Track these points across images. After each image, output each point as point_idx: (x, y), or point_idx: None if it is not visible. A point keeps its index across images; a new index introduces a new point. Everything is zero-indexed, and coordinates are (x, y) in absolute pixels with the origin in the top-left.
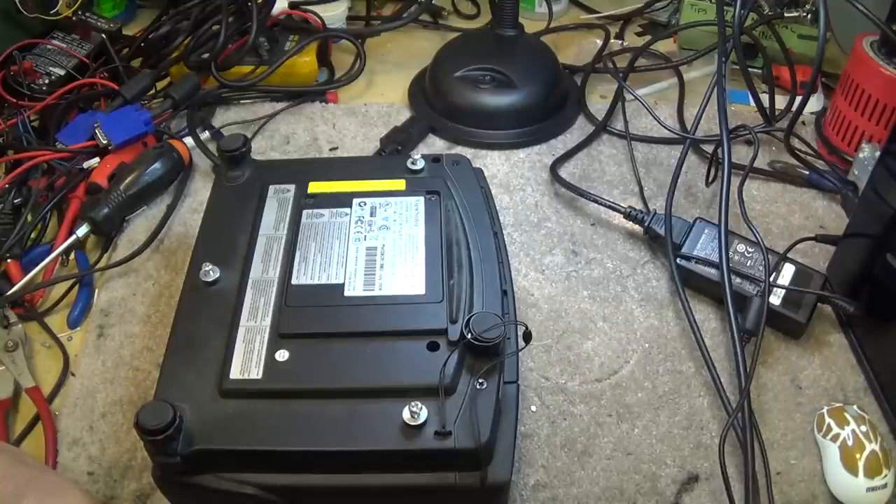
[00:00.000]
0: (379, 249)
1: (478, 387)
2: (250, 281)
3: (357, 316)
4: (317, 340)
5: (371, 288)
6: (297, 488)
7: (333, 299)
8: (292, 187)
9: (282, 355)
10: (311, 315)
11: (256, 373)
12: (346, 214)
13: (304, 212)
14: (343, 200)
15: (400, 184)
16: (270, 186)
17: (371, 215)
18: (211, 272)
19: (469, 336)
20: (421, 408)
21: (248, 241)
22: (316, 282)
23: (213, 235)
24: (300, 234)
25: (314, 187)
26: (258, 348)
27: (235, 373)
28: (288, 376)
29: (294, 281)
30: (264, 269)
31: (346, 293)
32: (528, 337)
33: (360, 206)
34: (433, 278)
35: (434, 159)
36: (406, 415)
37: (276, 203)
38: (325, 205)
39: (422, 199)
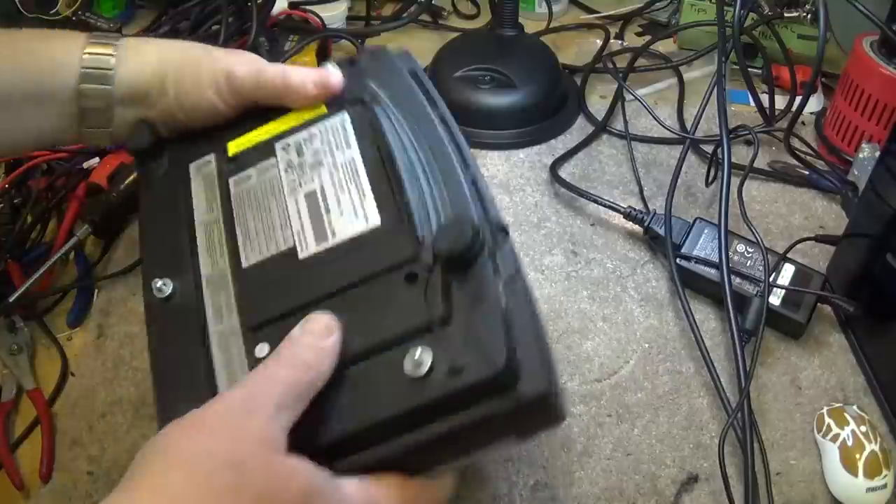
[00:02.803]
0: (318, 192)
1: (477, 303)
2: (204, 281)
3: (320, 277)
4: (290, 319)
5: (324, 240)
6: None
7: (290, 268)
8: (212, 156)
9: (261, 349)
10: (272, 295)
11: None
12: (273, 166)
13: (230, 180)
14: (265, 150)
15: (320, 108)
16: (191, 165)
17: (299, 156)
18: (163, 286)
19: (440, 253)
20: (420, 352)
21: (189, 236)
22: (266, 255)
23: (154, 245)
24: (234, 209)
25: (233, 147)
26: (236, 352)
27: (224, 386)
28: None
29: (244, 264)
30: (213, 262)
31: (301, 255)
32: (504, 230)
33: (283, 150)
34: (385, 202)
35: (350, 62)
36: (408, 366)
37: (202, 181)
38: (248, 164)
39: (345, 115)
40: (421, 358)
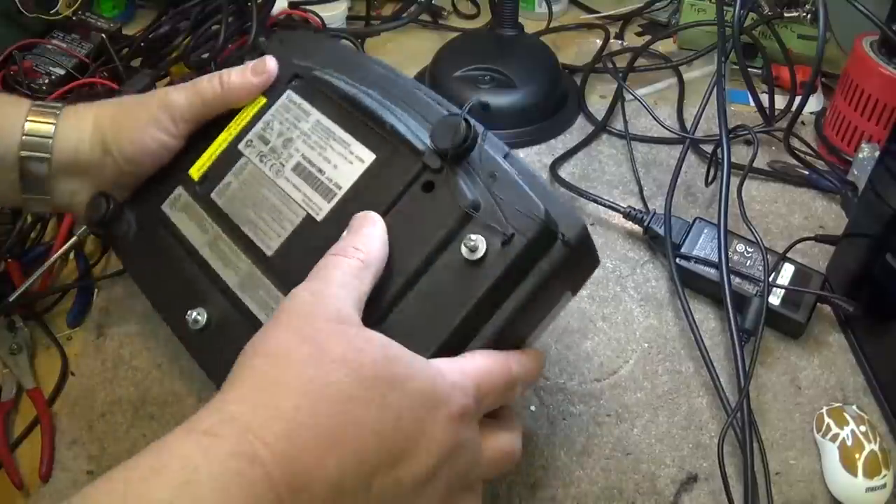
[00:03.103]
0: (303, 161)
1: (493, 180)
2: (237, 290)
3: (344, 228)
4: None
5: (332, 196)
6: None
7: (314, 234)
8: (179, 188)
9: None
10: (309, 264)
11: None
12: (247, 163)
13: (212, 195)
14: (231, 156)
15: (259, 101)
16: (162, 207)
17: (265, 143)
18: (198, 316)
19: (444, 150)
20: (473, 238)
21: (198, 264)
22: (286, 234)
23: (165, 291)
24: (230, 216)
25: (195, 171)
26: None
27: None
28: None
29: (269, 252)
30: (236, 270)
31: (319, 218)
32: (486, 106)
33: (248, 146)
34: (370, 138)
35: (260, 55)
36: (466, 253)
37: (182, 213)
38: (221, 174)
39: (289, 91)
40: (475, 242)
